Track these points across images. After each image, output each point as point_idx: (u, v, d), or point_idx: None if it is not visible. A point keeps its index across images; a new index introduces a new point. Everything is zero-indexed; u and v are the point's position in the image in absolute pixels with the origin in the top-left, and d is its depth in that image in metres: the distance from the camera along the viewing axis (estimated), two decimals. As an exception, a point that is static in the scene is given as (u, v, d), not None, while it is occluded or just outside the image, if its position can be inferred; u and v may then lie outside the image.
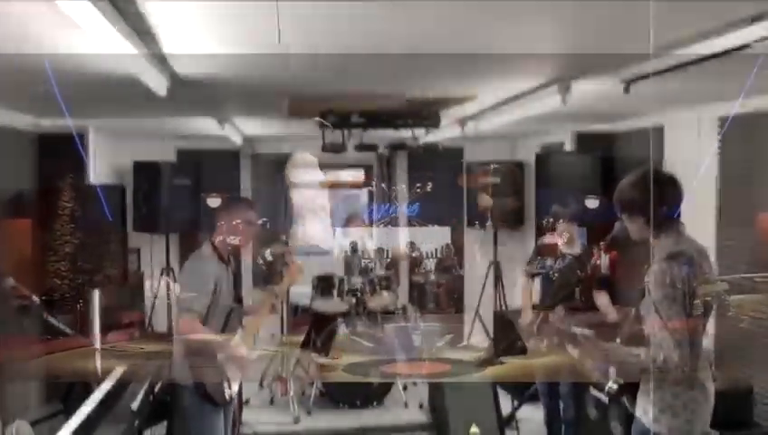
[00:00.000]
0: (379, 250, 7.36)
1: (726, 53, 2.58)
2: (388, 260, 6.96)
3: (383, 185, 7.41)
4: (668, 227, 2.57)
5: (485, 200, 6.66)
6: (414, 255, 7.52)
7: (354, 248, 6.24)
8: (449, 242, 7.65)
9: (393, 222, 7.19)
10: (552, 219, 4.66)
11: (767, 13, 2.25)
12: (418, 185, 6.73)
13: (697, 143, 4.83)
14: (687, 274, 2.45)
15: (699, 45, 2.65)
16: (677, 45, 2.74)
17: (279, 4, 2.17)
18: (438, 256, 7.66)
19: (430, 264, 7.70)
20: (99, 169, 6.01)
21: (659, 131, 5.41)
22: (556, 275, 4.41)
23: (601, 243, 3.11)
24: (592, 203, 2.60)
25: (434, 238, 7.51)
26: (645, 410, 2.58)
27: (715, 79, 3.52)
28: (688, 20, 2.46)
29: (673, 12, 2.34)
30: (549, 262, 4.55)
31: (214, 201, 6.66)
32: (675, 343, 2.40)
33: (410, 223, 7.12)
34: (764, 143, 4.20)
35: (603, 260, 3.02)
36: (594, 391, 4.36)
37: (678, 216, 2.62)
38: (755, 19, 2.31)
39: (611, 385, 2.68)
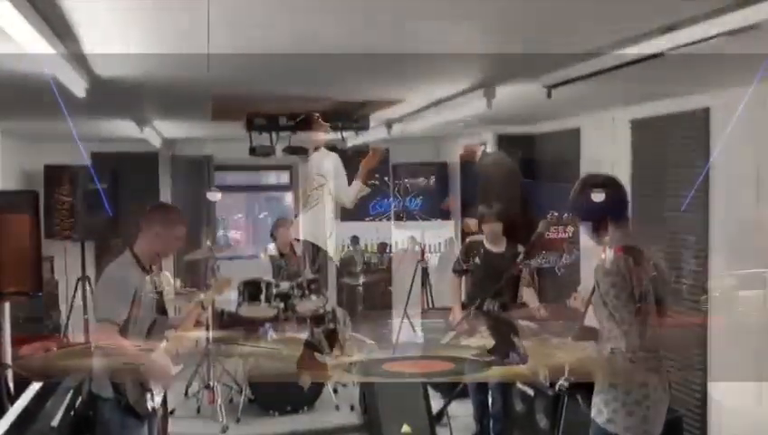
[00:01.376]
0: (382, 245, 7.25)
1: (642, 60, 2.73)
2: (391, 255, 6.87)
3: (385, 179, 7.27)
4: (615, 226, 2.65)
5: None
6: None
7: (356, 242, 6.09)
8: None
9: (396, 216, 7.14)
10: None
11: (679, 23, 2.39)
12: (422, 178, 6.72)
13: (611, 144, 5.07)
14: (635, 266, 2.50)
15: (617, 52, 2.79)
16: (597, 52, 2.87)
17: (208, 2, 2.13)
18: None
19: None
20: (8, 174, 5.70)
21: (576, 133, 5.66)
22: (562, 269, 4.42)
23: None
24: (598, 196, 2.66)
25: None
26: (600, 411, 2.58)
27: (629, 84, 3.71)
28: (609, 27, 2.58)
29: (594, 19, 2.47)
30: (553, 257, 4.56)
31: (213, 195, 6.48)
32: (621, 333, 2.46)
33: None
34: (674, 144, 4.45)
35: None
36: (520, 385, 4.50)
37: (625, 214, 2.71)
38: (668, 29, 2.45)
39: (563, 382, 2.74)
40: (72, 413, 3.50)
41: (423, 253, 7.00)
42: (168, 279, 3.12)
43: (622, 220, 2.69)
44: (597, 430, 2.59)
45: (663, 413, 2.60)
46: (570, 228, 4.32)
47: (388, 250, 7.42)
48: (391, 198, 7.57)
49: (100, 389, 3.08)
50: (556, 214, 4.20)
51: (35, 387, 3.51)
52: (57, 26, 2.37)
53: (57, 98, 3.02)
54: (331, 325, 5.13)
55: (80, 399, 3.60)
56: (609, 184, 2.72)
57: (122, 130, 5.44)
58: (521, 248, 4.54)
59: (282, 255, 6.04)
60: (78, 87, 3.07)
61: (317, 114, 4.52)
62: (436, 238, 7.43)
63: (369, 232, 7.59)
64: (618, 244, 2.60)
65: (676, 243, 4.38)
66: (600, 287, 2.52)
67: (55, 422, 3.29)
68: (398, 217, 7.45)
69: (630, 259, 2.50)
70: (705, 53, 2.48)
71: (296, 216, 5.86)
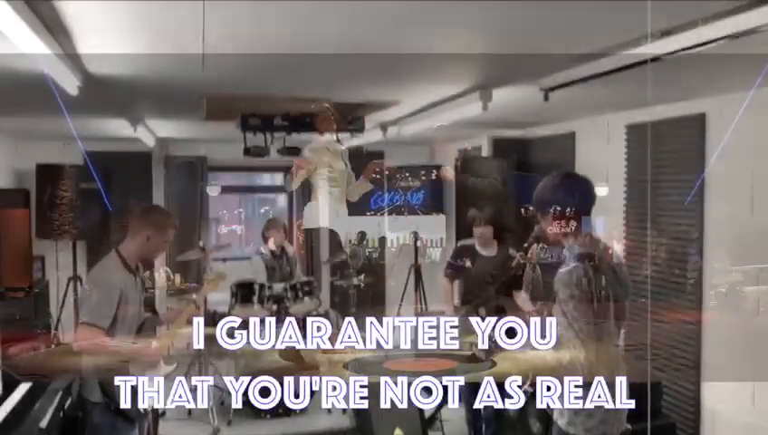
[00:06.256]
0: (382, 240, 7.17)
1: (638, 63, 2.72)
2: (392, 250, 6.79)
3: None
4: (580, 228, 2.60)
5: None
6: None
7: (362, 238, 6.04)
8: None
9: (397, 211, 7.06)
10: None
11: (676, 28, 2.38)
12: (423, 173, 6.66)
13: (606, 149, 5.07)
14: (594, 274, 2.45)
15: (614, 56, 2.78)
16: (594, 55, 2.86)
17: (203, 2, 2.11)
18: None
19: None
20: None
21: (571, 137, 5.66)
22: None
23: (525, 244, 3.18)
24: (602, 191, 2.60)
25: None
26: (561, 413, 2.57)
27: (625, 88, 3.70)
28: (606, 30, 2.58)
29: (590, 22, 2.46)
30: (556, 252, 4.50)
31: (213, 190, 6.40)
32: (580, 343, 2.42)
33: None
34: (669, 149, 4.45)
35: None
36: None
37: (590, 218, 2.66)
38: (665, 33, 2.45)
39: (527, 388, 2.71)
40: (62, 414, 3.45)
41: (424, 248, 6.96)
42: (169, 275, 3.08)
43: (587, 222, 2.64)
44: (558, 431, 2.59)
45: (622, 417, 2.61)
46: (573, 223, 4.25)
47: (390, 246, 7.34)
48: (385, 194, 7.50)
49: (88, 392, 3.05)
50: (531, 208, 4.25)
51: (24, 388, 3.46)
52: (51, 25, 2.35)
53: (57, 97, 2.98)
54: None
55: (69, 400, 3.55)
56: (583, 183, 2.68)
57: (116, 129, 5.40)
58: (512, 251, 4.52)
59: (274, 256, 6.01)
60: (71, 85, 3.04)
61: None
62: (437, 233, 7.34)
63: (371, 226, 7.49)
64: (579, 249, 2.54)
65: (671, 247, 4.38)
66: (559, 296, 2.47)
67: (44, 424, 3.24)
68: (399, 212, 7.36)
69: (589, 267, 2.45)
70: (702, 55, 2.48)
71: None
